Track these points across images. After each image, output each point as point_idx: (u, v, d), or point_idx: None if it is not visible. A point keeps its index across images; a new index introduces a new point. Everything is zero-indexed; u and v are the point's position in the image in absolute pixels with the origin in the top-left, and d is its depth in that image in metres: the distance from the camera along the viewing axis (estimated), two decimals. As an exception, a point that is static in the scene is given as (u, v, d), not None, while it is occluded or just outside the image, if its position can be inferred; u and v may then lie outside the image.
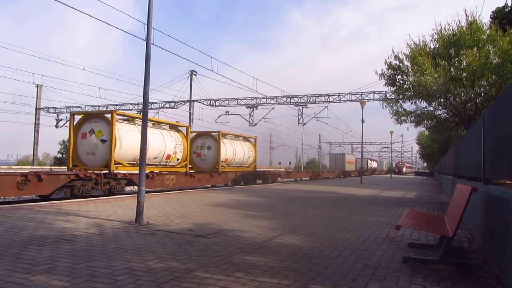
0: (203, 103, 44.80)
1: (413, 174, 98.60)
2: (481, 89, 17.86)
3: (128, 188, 19.95)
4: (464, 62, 16.78)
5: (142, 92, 8.40)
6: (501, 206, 4.79)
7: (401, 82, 19.44)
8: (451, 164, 16.37)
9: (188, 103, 42.98)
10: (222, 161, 24.17)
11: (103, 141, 16.25)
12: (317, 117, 45.77)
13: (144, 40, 8.69)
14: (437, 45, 17.82)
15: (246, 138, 28.86)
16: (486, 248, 5.84)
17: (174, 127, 21.20)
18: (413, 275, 4.82)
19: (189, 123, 40.66)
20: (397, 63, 19.20)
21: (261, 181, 29.51)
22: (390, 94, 27.52)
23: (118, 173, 16.13)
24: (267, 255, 5.60)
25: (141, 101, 8.67)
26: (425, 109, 21.84)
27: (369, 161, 79.62)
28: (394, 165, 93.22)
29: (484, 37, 16.31)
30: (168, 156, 19.57)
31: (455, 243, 6.63)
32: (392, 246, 6.44)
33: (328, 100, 40.99)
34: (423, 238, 7.17)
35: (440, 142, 39.63)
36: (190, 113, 42.62)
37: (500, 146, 5.41)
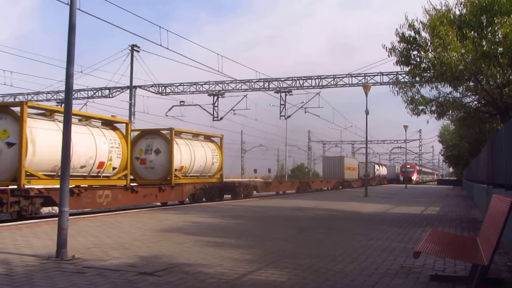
0: (149, 90, 44.57)
1: (436, 183, 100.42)
2: (524, 69, 18.29)
3: (45, 210, 19.62)
4: (500, 33, 17.12)
5: (63, 76, 8.28)
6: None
7: (418, 59, 19.68)
8: (485, 168, 16.73)
9: (128, 90, 42.64)
10: (176, 170, 24.07)
11: (9, 144, 15.92)
12: (305, 108, 46.25)
13: (67, 3, 8.58)
14: (464, 11, 18.11)
15: (208, 138, 28.83)
16: (532, 279, 5.98)
17: (108, 123, 20.97)
18: (437, 318, 4.90)
19: (130, 118, 40.35)
20: (412, 34, 19.40)
21: (230, 196, 29.49)
22: (403, 75, 27.90)
23: (30, 188, 15.83)
24: (240, 297, 5.60)
25: (62, 88, 8.57)
26: (450, 96, 22.21)
27: (376, 166, 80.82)
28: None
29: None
30: (101, 164, 19.35)
31: (492, 273, 6.77)
32: (409, 280, 6.53)
33: (321, 84, 41.39)
34: (450, 268, 7.30)
35: (470, 140, 40.43)
36: (131, 104, 42.31)
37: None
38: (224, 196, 28.86)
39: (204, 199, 26.38)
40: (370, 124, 79.91)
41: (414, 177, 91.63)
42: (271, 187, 37.03)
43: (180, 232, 11.24)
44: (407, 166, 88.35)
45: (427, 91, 21.82)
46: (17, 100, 46.17)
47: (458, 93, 21.93)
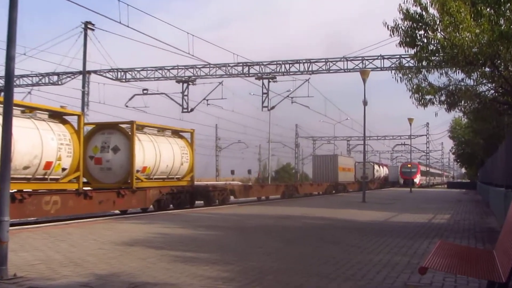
0: (106, 76, 44.30)
1: (445, 186, 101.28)
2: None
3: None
4: (520, 10, 17.31)
5: (3, 59, 8.21)
6: None
7: (425, 40, 19.80)
8: (503, 169, 16.91)
9: (81, 76, 42.31)
10: (137, 171, 23.98)
11: None
12: (292, 97, 46.28)
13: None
14: (479, -16, 18.28)
15: (177, 133, 28.78)
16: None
17: (57, 115, 20.81)
18: None
19: (83, 109, 40.04)
20: (418, 10, 19.48)
21: (202, 202, 29.48)
22: (408, 59, 28.07)
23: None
24: (215, 322, 5.61)
25: (2, 73, 8.49)
26: (462, 84, 22.37)
27: (376, 166, 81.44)
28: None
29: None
30: (48, 165, 19.20)
31: (511, 293, 6.86)
32: (414, 301, 6.59)
33: (310, 69, 41.47)
34: (462, 286, 7.38)
35: (485, 135, 40.84)
36: (84, 93, 41.99)
37: None
38: (196, 202, 28.84)
39: (171, 206, 26.34)
40: (368, 117, 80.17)
41: (417, 179, 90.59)
42: (252, 191, 37.08)
43: (143, 245, 11.21)
44: (408, 165, 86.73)
45: (436, 77, 21.95)
46: None
47: (471, 80, 22.08)
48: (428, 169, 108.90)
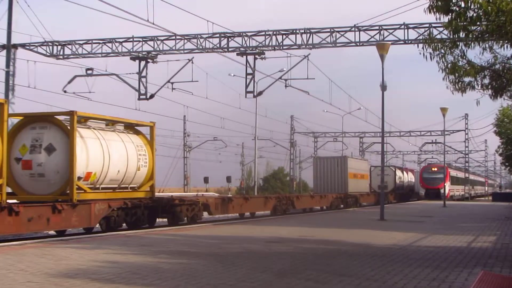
0: (38, 51, 44.17)
1: (490, 198, 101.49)
2: None
3: None
4: None
5: None
6: None
7: (463, 4, 19.89)
8: None
9: (5, 52, 42.11)
10: (80, 178, 23.90)
11: None
12: (286, 80, 46.18)
13: None
14: None
15: (132, 127, 28.73)
16: None
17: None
18: None
19: (7, 96, 39.95)
20: (454, -37, 19.62)
21: (166, 220, 29.46)
22: (440, 30, 28.18)
23: None
24: None
25: None
26: (512, 62, 22.54)
27: (398, 172, 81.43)
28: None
29: None
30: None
31: None
32: None
33: (310, 42, 41.43)
34: (512, 334, 7.40)
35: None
36: (8, 73, 41.82)
37: None
38: (158, 220, 28.82)
39: (124, 225, 26.30)
40: (388, 106, 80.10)
41: (446, 188, 78.79)
42: (232, 206, 37.01)
43: (87, 277, 11.19)
44: (433, 169, 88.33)
45: (477, 54, 22.06)
46: None
47: (525, 57, 22.28)
48: (467, 176, 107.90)
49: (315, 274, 11.91)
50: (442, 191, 76.27)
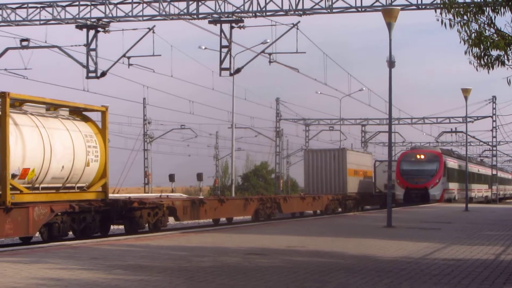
0: (-40, 17, 44.00)
1: None
2: None
3: None
4: None
5: None
6: None
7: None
8: None
9: None
10: (15, 176, 23.91)
11: None
12: (270, 54, 46.25)
13: None
14: None
15: (80, 113, 28.75)
16: None
17: None
18: None
19: None
20: None
21: (123, 227, 29.52)
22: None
23: None
24: None
25: None
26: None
27: None
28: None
29: None
30: None
31: None
32: None
33: (300, 6, 41.36)
34: None
35: None
36: None
37: None
38: (112, 227, 28.87)
39: (71, 233, 26.32)
40: (396, 88, 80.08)
41: (438, 187, 74.23)
42: (204, 209, 37.19)
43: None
44: (417, 156, 76.26)
45: (508, 21, 22.25)
46: None
47: None
48: (496, 173, 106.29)
49: (307, 294, 12.01)
50: (432, 191, 71.62)
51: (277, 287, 12.68)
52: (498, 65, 22.35)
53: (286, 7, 41.13)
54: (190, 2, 42.07)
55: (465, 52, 22.19)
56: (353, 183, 58.44)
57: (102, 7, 42.80)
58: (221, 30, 42.61)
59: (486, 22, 22.25)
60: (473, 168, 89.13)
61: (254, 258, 17.64)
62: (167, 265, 16.11)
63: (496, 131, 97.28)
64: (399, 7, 34.20)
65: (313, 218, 44.19)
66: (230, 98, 63.59)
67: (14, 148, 23.83)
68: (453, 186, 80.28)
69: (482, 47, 22.06)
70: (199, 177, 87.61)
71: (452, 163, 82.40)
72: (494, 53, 22.16)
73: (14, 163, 23.86)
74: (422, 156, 73.38)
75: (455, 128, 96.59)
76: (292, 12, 41.36)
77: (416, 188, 68.84)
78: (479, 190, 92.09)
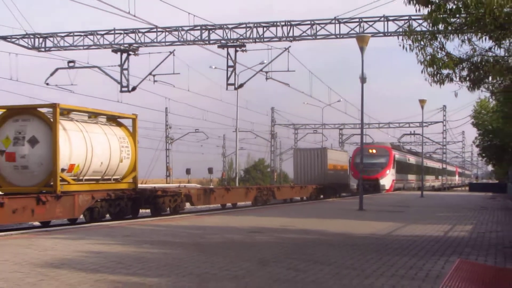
0: (20, 43, 43.99)
1: (467, 188, 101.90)
2: None
3: None
4: None
5: None
6: None
7: (442, -3, 20.05)
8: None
9: (-14, 44, 41.92)
10: (64, 170, 23.88)
11: None
12: (267, 72, 46.26)
13: None
14: None
15: (115, 119, 28.72)
16: None
17: (-45, 96, 20.71)
18: None
19: (-11, 88, 39.74)
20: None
21: (149, 210, 29.49)
22: (420, 22, 28.30)
23: None
24: None
25: None
26: (490, 54, 22.71)
27: None
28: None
29: None
30: None
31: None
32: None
33: (291, 34, 41.49)
34: (487, 319, 7.55)
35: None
36: (-10, 66, 41.63)
37: None
38: (140, 211, 28.84)
39: (108, 215, 26.30)
40: (368, 99, 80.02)
41: (388, 178, 68.81)
42: (214, 197, 37.10)
43: (72, 267, 11.23)
44: (370, 151, 68.65)
45: (456, 46, 22.20)
46: None
47: (502, 50, 22.43)
48: (444, 166, 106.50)
49: (296, 263, 12.00)
50: (382, 181, 66.39)
51: (273, 257, 12.68)
52: (448, 81, 22.33)
53: (279, 34, 41.26)
54: (203, 31, 42.11)
55: (422, 71, 22.12)
56: (332, 175, 58.26)
57: (133, 35, 42.79)
58: (228, 53, 42.58)
59: (438, 47, 22.19)
60: (413, 159, 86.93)
61: (254, 235, 17.64)
62: (185, 240, 16.10)
63: (446, 134, 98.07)
64: (370, 34, 34.18)
65: (300, 203, 44.11)
66: (234, 108, 63.38)
67: (63, 148, 23.80)
68: (401, 177, 76.86)
69: (435, 67, 22.02)
70: (210, 171, 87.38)
71: (402, 157, 79.30)
72: (445, 71, 22.15)
73: (63, 160, 23.83)
74: (374, 151, 68.04)
75: (414, 131, 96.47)
76: (285, 39, 41.44)
77: (369, 179, 61.73)
78: (426, 180, 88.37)
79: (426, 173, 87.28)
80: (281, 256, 12.97)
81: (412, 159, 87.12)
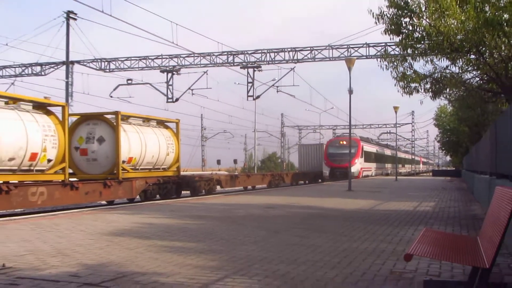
0: (90, 66, 44.21)
1: (431, 174, 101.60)
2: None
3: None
4: (505, -3, 17.43)
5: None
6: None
7: (410, 27, 19.95)
8: (487, 156, 17.09)
9: (64, 67, 42.10)
10: (123, 162, 23.99)
11: None
12: (277, 86, 46.44)
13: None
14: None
15: (162, 123, 28.79)
16: (540, 283, 6.19)
17: (41, 106, 20.75)
18: (432, 330, 5.07)
19: (67, 100, 39.91)
20: (405, -3, 19.62)
21: (189, 192, 29.53)
22: (393, 47, 28.19)
23: None
24: (203, 310, 5.68)
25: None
26: (447, 71, 22.61)
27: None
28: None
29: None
30: (34, 156, 19.16)
31: (494, 277, 6.99)
32: (400, 287, 6.71)
33: (295, 58, 41.66)
34: (446, 273, 7.50)
35: (470, 123, 41.20)
36: (67, 83, 41.80)
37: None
38: (182, 192, 28.88)
39: (158, 196, 26.38)
40: (354, 106, 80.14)
41: (357, 166, 61.62)
42: (238, 181, 37.18)
43: (130, 235, 11.26)
44: (341, 142, 62.71)
45: (421, 65, 22.27)
46: None
47: (457, 67, 22.35)
48: (413, 157, 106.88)
49: (300, 231, 11.97)
50: (352, 169, 55.26)
51: (283, 227, 12.65)
52: (415, 92, 22.28)
53: (287, 58, 41.46)
54: (229, 56, 42.20)
55: (395, 85, 22.15)
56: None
57: (176, 59, 42.95)
58: (248, 72, 42.71)
59: (408, 66, 22.15)
60: (380, 150, 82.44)
61: (269, 210, 17.59)
62: (216, 214, 16.08)
63: (414, 132, 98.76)
64: (355, 58, 34.06)
65: (304, 185, 44.02)
66: (253, 114, 63.44)
67: (123, 145, 23.88)
68: (370, 165, 70.78)
69: (405, 81, 21.97)
70: (235, 161, 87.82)
71: (369, 148, 71.76)
72: (413, 85, 22.08)
73: (123, 154, 23.91)
74: (344, 142, 60.02)
75: (389, 131, 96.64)
76: (290, 61, 41.55)
77: (339, 167, 57.37)
78: (378, 168, 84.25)
79: (394, 162, 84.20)
80: (290, 226, 12.94)
81: (380, 150, 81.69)
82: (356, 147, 60.34)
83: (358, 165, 60.84)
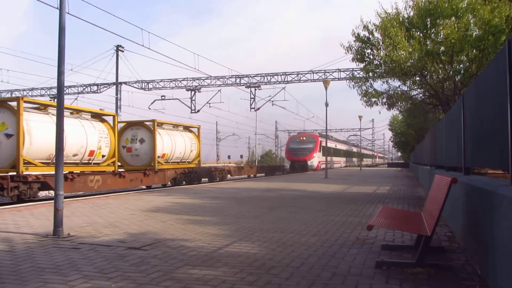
0: (133, 86, 44.11)
1: (386, 166, 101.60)
2: (461, 66, 18.66)
3: (42, 193, 19.38)
4: (442, 34, 17.44)
5: (55, 73, 8.17)
6: (484, 199, 5.09)
7: (371, 57, 19.93)
8: (428, 152, 17.08)
9: (115, 86, 42.11)
10: (158, 157, 23.96)
11: (8, 135, 15.66)
12: (272, 101, 46.29)
13: (57, 8, 8.45)
14: (412, 14, 18.36)
15: (187, 128, 28.73)
16: (468, 247, 6.19)
17: (97, 116, 20.75)
18: (388, 281, 5.04)
19: (117, 111, 39.88)
20: (367, 34, 19.63)
21: (207, 179, 29.52)
22: (358, 71, 28.16)
23: (28, 175, 15.62)
24: (217, 267, 5.66)
25: (55, 84, 8.47)
26: (399, 89, 22.61)
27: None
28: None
29: (463, 6, 16.97)
30: (91, 153, 19.17)
31: (434, 242, 6.97)
32: (364, 249, 6.69)
33: (286, 80, 41.55)
34: (399, 239, 7.48)
35: (415, 128, 41.16)
36: (117, 99, 41.79)
37: (482, 130, 5.73)
38: (202, 179, 28.88)
39: (184, 182, 26.35)
40: (329, 115, 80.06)
41: (315, 160, 52.62)
42: (244, 171, 37.15)
43: (163, 211, 11.24)
44: (301, 138, 54.69)
45: (379, 85, 22.25)
46: (13, 95, 45.24)
47: (406, 86, 22.37)
48: (373, 153, 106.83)
49: (289, 208, 11.95)
50: (310, 163, 51.66)
51: (276, 205, 12.61)
52: (375, 105, 22.26)
53: (279, 80, 41.32)
54: (237, 78, 42.16)
55: (360, 100, 22.16)
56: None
57: (198, 81, 42.84)
58: (250, 91, 42.64)
59: (369, 85, 22.15)
60: (339, 145, 72.92)
61: (266, 192, 17.57)
62: (227, 195, 16.06)
63: (374, 135, 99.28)
64: (330, 79, 34.02)
65: (292, 174, 44.00)
66: (254, 121, 63.42)
67: (158, 145, 23.83)
68: (328, 159, 54.76)
69: (367, 97, 21.95)
70: (241, 156, 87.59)
71: (328, 143, 58.10)
72: (373, 99, 22.07)
73: (158, 151, 23.86)
74: (304, 138, 54.10)
75: (355, 134, 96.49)
76: (282, 82, 41.55)
77: (299, 160, 50.60)
78: (351, 161, 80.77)
79: (351, 156, 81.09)
80: (281, 204, 12.91)
81: (338, 146, 71.52)
82: (314, 143, 53.36)
83: (316, 159, 52.78)
